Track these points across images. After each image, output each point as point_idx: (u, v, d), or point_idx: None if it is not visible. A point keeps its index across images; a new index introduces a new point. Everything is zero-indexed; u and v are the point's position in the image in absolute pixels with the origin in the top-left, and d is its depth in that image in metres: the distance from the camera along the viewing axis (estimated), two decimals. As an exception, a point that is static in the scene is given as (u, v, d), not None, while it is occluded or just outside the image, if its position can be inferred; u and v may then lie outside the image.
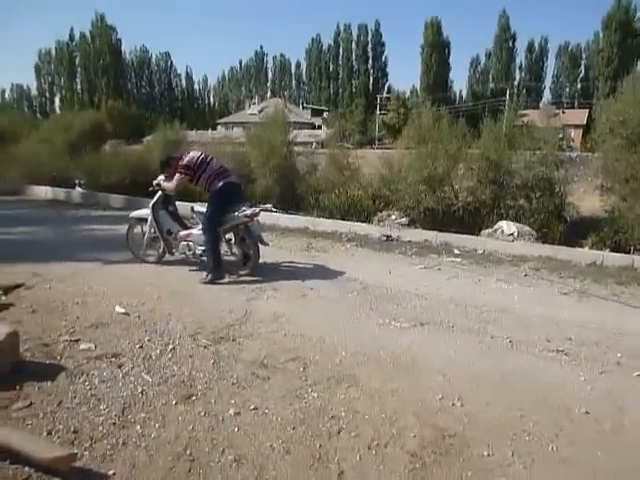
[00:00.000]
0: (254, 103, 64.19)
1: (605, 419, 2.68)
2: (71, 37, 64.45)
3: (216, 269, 5.13)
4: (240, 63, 78.26)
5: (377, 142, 41.23)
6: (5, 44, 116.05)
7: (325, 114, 53.33)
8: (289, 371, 3.17)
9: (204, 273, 5.21)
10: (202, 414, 2.67)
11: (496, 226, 6.83)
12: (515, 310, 4.44)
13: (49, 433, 2.47)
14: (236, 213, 5.21)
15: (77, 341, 3.58)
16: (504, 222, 6.78)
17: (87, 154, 12.22)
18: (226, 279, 5.18)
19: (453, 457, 2.35)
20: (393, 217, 7.44)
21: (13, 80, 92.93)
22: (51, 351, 3.40)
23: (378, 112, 51.08)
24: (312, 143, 22.51)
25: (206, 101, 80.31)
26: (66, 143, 13.56)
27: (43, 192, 12.18)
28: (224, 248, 5.42)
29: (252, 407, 2.73)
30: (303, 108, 64.14)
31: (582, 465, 2.31)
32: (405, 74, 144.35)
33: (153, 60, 71.74)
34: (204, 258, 5.36)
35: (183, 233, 5.59)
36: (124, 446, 2.39)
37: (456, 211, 7.52)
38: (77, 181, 12.14)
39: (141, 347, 3.50)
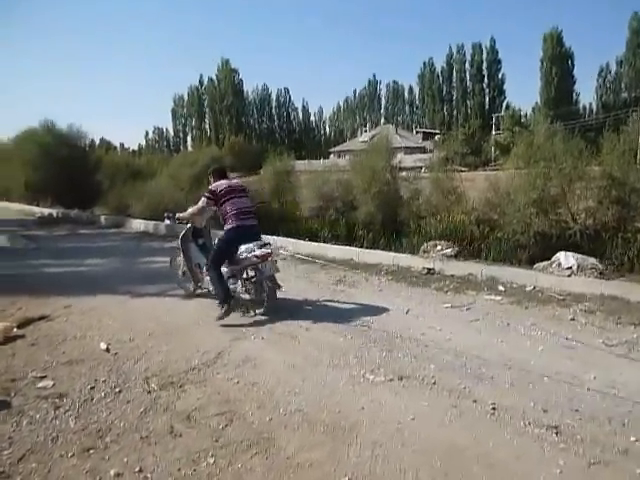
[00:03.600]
0: (366, 130, 65.01)
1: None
2: (200, 82, 71.77)
3: (222, 303, 4.96)
4: (354, 92, 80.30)
5: (492, 163, 39.02)
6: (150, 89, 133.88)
7: (437, 137, 51.99)
8: (208, 427, 2.89)
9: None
10: (85, 471, 2.51)
11: (553, 258, 5.79)
12: (529, 366, 3.64)
13: (-58, 476, 2.50)
14: (245, 254, 4.98)
15: (42, 378, 3.67)
16: (562, 253, 5.73)
17: (204, 187, 13.02)
18: (241, 317, 5.03)
19: None
20: (439, 248, 6.74)
21: (155, 123, 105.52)
22: (11, 387, 3.52)
23: (493, 132, 48.54)
24: (421, 167, 21.82)
25: (322, 132, 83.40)
26: (190, 177, 14.54)
27: (137, 225, 13.29)
28: (239, 286, 5.20)
29: (137, 469, 2.50)
30: (416, 132, 63.38)
31: None
32: (526, 90, 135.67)
33: (273, 96, 76.70)
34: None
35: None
36: (-10, 501, 2.32)
37: (572, 235, 6.55)
38: (166, 214, 13.02)
39: (92, 388, 3.48)
